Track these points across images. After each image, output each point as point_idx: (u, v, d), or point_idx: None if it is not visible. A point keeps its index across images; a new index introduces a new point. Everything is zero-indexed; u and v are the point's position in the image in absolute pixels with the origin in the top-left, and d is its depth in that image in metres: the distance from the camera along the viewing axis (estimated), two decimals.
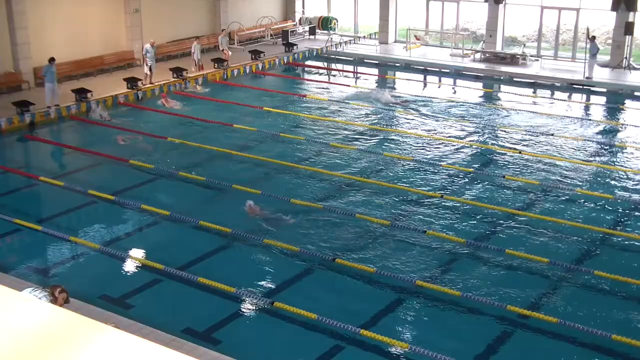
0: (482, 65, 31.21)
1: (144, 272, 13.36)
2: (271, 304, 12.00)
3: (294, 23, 38.17)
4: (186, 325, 11.39)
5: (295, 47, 33.64)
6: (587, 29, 29.29)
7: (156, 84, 26.33)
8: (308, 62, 32.87)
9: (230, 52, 30.80)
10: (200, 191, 17.45)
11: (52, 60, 22.96)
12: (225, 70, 29.08)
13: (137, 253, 14.18)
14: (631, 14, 29.19)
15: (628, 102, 26.41)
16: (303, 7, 39.10)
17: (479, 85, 29.45)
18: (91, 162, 19.39)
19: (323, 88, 28.23)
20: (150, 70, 26.14)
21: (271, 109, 24.25)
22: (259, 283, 13.01)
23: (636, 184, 17.81)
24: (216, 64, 29.14)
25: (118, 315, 11.06)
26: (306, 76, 30.92)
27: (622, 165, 19.34)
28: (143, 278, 13.14)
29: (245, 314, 11.98)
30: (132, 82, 25.64)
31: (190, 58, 29.06)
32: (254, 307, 12.10)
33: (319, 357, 10.69)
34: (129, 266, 13.62)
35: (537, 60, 31.63)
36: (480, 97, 28.17)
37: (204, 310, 12.04)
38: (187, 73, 27.56)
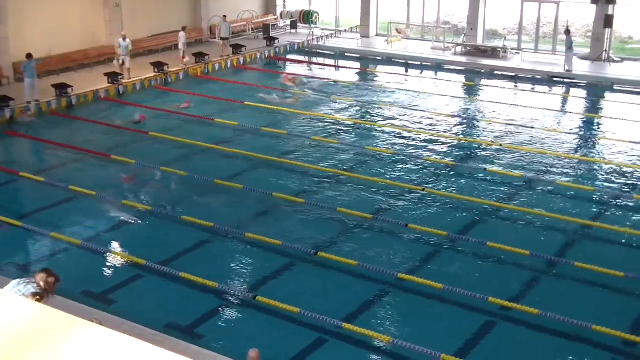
0: (463, 59, 31.33)
1: (126, 267, 13.31)
2: (254, 298, 12.01)
3: (275, 17, 38.09)
4: (169, 321, 11.37)
5: (276, 41, 33.57)
6: (567, 22, 29.47)
7: (135, 78, 26.19)
8: (289, 56, 32.82)
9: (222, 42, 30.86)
10: (182, 186, 17.39)
11: (29, 56, 22.77)
12: (206, 64, 28.97)
13: (119, 248, 14.12)
14: (610, 6, 29.36)
15: (608, 95, 26.59)
16: (284, 1, 39.02)
17: (461, 78, 29.53)
18: (72, 157, 19.26)
19: (304, 82, 28.17)
20: (123, 64, 25.93)
21: (252, 103, 24.19)
22: (242, 277, 13.02)
23: (616, 176, 17.94)
24: (197, 58, 29.04)
25: (100, 311, 11.00)
26: (287, 70, 30.86)
27: (602, 157, 19.49)
28: (125, 273, 13.09)
29: (228, 308, 11.97)
30: (113, 77, 25.49)
31: (174, 51, 28.92)
32: (237, 302, 12.10)
33: (302, 350, 10.72)
34: (111, 262, 13.55)
35: (518, 53, 31.77)
36: (462, 90, 28.26)
37: (187, 305, 12.02)
38: (168, 68, 27.40)
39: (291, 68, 31.15)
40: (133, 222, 15.40)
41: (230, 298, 12.20)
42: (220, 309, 11.91)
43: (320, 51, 33.86)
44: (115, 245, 14.23)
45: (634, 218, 15.45)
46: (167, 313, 11.67)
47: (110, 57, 28.23)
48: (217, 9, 33.59)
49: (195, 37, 33.29)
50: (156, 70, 27.16)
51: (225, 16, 31.24)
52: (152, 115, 22.85)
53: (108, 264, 13.48)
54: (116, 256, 13.72)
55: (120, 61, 26.07)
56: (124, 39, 26.00)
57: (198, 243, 14.35)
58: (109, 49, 28.73)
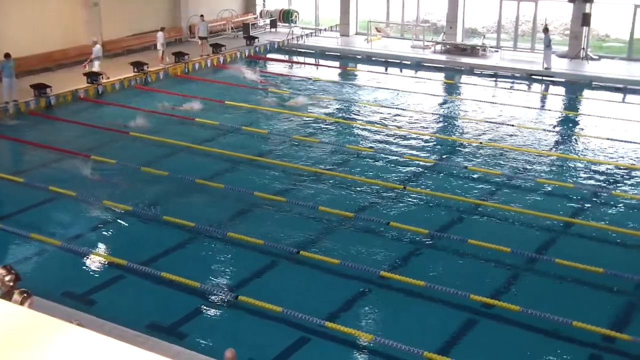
0: (442, 57, 31.47)
1: (107, 268, 13.23)
2: (236, 298, 11.99)
3: (255, 16, 38.03)
4: (150, 321, 11.33)
5: (256, 40, 33.51)
6: (545, 21, 29.68)
7: (115, 78, 26.05)
8: (269, 55, 32.78)
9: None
10: (163, 186, 17.31)
11: (7, 55, 22.58)
12: (186, 63, 28.87)
13: (100, 249, 14.04)
14: (587, 5, 29.63)
15: (586, 92, 26.81)
16: (264, 0, 38.97)
17: (440, 76, 29.63)
18: (52, 158, 19.11)
19: (285, 81, 28.17)
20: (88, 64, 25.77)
21: (233, 103, 24.13)
22: (223, 277, 13.00)
23: (595, 173, 18.09)
24: (177, 58, 28.92)
25: (81, 312, 10.95)
26: (268, 69, 30.81)
27: (581, 155, 19.64)
28: (106, 274, 13.02)
29: (210, 308, 11.94)
30: (92, 77, 25.32)
31: (154, 51, 28.76)
32: (219, 301, 12.07)
33: (285, 349, 10.71)
34: (92, 262, 13.47)
35: (497, 51, 31.95)
36: (441, 88, 28.37)
37: (169, 306, 11.98)
38: (148, 67, 27.27)
39: (270, 68, 31.10)
40: (114, 222, 15.31)
41: (212, 298, 12.16)
42: (202, 309, 11.88)
43: (300, 50, 33.85)
44: (96, 246, 14.14)
45: (613, 214, 15.58)
46: (148, 313, 11.63)
47: (89, 56, 28.00)
48: (197, 8, 33.47)
49: (175, 37, 33.17)
50: (136, 70, 27.01)
51: (202, 16, 31.11)
52: (132, 116, 22.72)
53: (89, 265, 13.39)
54: (97, 257, 13.63)
55: (94, 66, 25.77)
56: (95, 44, 25.78)
57: (179, 243, 14.30)
58: (88, 49, 28.48)
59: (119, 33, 30.28)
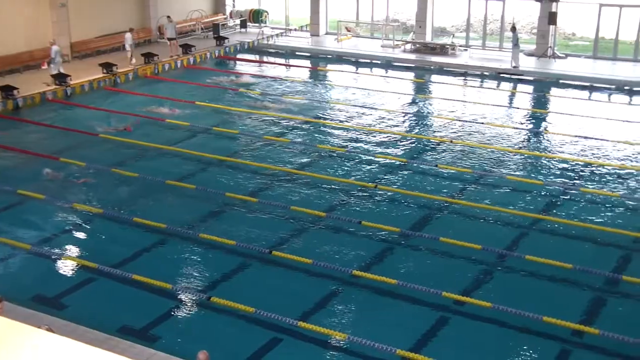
0: (412, 56, 31.63)
1: (77, 271, 13.12)
2: (208, 299, 11.96)
3: (225, 16, 37.91)
4: (122, 324, 11.26)
5: (226, 40, 33.40)
6: (513, 20, 29.97)
7: (83, 80, 25.81)
8: (240, 56, 32.70)
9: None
10: (133, 187, 17.19)
11: None
12: (156, 64, 28.69)
13: (70, 252, 13.90)
14: (554, 4, 29.97)
15: (554, 90, 27.10)
16: (233, 0, 38.85)
17: (410, 75, 29.77)
18: (20, 160, 18.89)
19: (255, 81, 28.11)
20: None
21: (203, 103, 24.04)
22: (196, 278, 12.94)
23: (563, 170, 18.30)
24: (146, 59, 28.74)
25: (51, 317, 10.86)
26: (238, 69, 30.73)
27: (550, 152, 19.85)
28: (77, 277, 12.91)
29: (183, 309, 11.89)
30: (60, 78, 25.07)
31: (123, 52, 28.54)
32: (191, 303, 12.03)
33: (258, 350, 10.71)
34: (62, 266, 13.34)
35: (466, 50, 32.20)
36: (411, 87, 28.50)
37: (141, 308, 11.91)
38: (117, 68, 27.06)
39: (240, 68, 31.03)
40: (84, 225, 15.18)
41: (184, 299, 12.12)
42: (174, 310, 11.83)
43: (271, 50, 33.81)
44: (66, 249, 14.00)
45: (581, 210, 15.78)
46: (120, 316, 11.55)
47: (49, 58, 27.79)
48: (166, 8, 33.27)
49: (144, 38, 32.95)
50: (105, 71, 26.78)
51: (169, 17, 30.90)
52: (101, 117, 22.57)
53: (59, 268, 13.27)
54: (67, 260, 13.50)
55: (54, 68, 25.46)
56: (52, 44, 25.49)
57: (151, 245, 14.23)
58: None
59: (87, 34, 30.02)
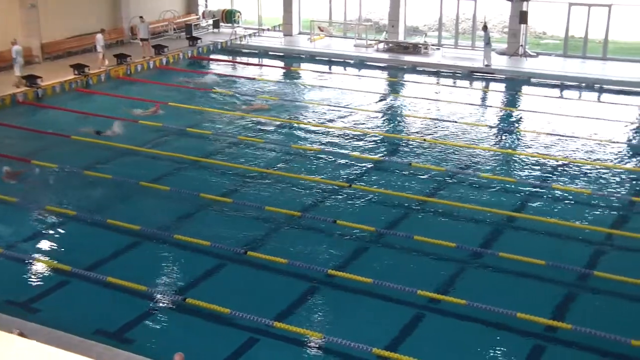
0: (385, 55, 31.76)
1: (51, 274, 13.01)
2: (184, 300, 11.92)
3: (198, 17, 37.77)
4: (97, 327, 11.18)
5: (199, 41, 33.28)
6: (484, 19, 30.22)
7: (55, 81, 25.58)
8: (213, 56, 32.60)
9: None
10: (107, 189, 17.07)
11: None
12: (128, 65, 28.51)
13: (43, 255, 13.77)
14: (525, 3, 30.28)
15: (525, 88, 27.35)
16: (206, 1, 38.73)
17: (384, 74, 29.88)
18: None
19: (229, 81, 28.05)
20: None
21: (177, 104, 23.93)
22: (171, 280, 12.90)
23: (535, 167, 18.47)
24: (119, 60, 28.54)
25: (23, 320, 10.75)
26: (211, 70, 30.63)
27: (522, 149, 20.03)
28: (50, 281, 12.80)
29: (158, 311, 11.84)
30: (30, 80, 24.82)
31: (95, 53, 28.33)
32: (167, 305, 11.98)
33: (234, 351, 10.69)
34: (35, 269, 13.22)
35: (439, 49, 32.39)
36: (385, 86, 28.60)
37: (115, 310, 11.83)
38: (89, 69, 26.85)
39: (214, 68, 30.94)
40: (57, 227, 15.06)
41: (159, 301, 12.07)
42: (149, 312, 11.77)
43: (244, 50, 33.76)
44: (39, 252, 13.87)
45: (553, 207, 15.94)
46: (95, 319, 11.47)
47: (28, 59, 27.50)
48: (138, 9, 33.04)
49: (116, 38, 32.71)
50: (76, 72, 26.55)
51: (142, 17, 30.71)
52: (74, 118, 22.39)
53: (32, 272, 13.14)
54: (40, 263, 13.38)
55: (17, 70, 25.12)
56: (14, 44, 25.18)
57: (125, 247, 14.15)
58: (26, 51, 27.95)
59: (58, 35, 29.73)
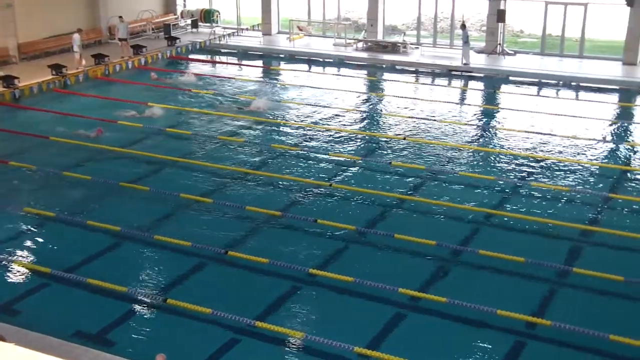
0: (364, 54, 31.82)
1: (30, 276, 12.90)
2: (164, 301, 11.88)
3: (176, 16, 37.64)
4: (77, 329, 11.11)
5: (177, 40, 33.17)
6: (463, 17, 30.38)
7: (32, 82, 25.39)
8: (191, 56, 32.50)
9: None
10: (86, 190, 16.98)
11: None
12: (106, 65, 28.35)
13: (22, 257, 13.65)
14: (502, 2, 30.47)
15: (503, 87, 27.55)
16: (184, 0, 38.60)
17: (363, 74, 29.95)
18: None
19: (208, 81, 27.99)
20: None
21: (156, 104, 23.83)
22: (152, 280, 12.84)
23: (514, 165, 18.61)
24: (97, 60, 28.37)
25: (3, 323, 10.66)
26: (190, 70, 30.54)
27: (501, 147, 20.15)
28: (30, 283, 12.70)
29: (139, 312, 11.80)
30: (8, 80, 24.61)
31: (73, 53, 28.16)
32: (147, 306, 11.94)
33: (216, 351, 10.68)
34: (14, 272, 13.10)
35: (417, 48, 32.50)
36: (364, 85, 28.68)
37: (96, 312, 11.76)
38: (67, 70, 26.67)
39: (193, 68, 30.84)
40: (36, 229, 14.94)
41: (140, 302, 12.02)
42: (130, 314, 11.72)
43: (223, 50, 33.69)
44: (17, 254, 13.74)
45: (531, 205, 16.06)
46: (75, 321, 11.40)
47: (5, 59, 27.27)
48: (116, 8, 32.88)
49: (94, 38, 32.53)
50: (54, 72, 26.37)
51: (121, 17, 30.55)
52: (51, 119, 22.24)
53: (11, 274, 13.02)
54: (19, 266, 13.27)
55: None
56: None
57: (105, 248, 14.07)
58: (2, 52, 27.78)
59: (35, 35, 29.51)
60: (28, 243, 14.39)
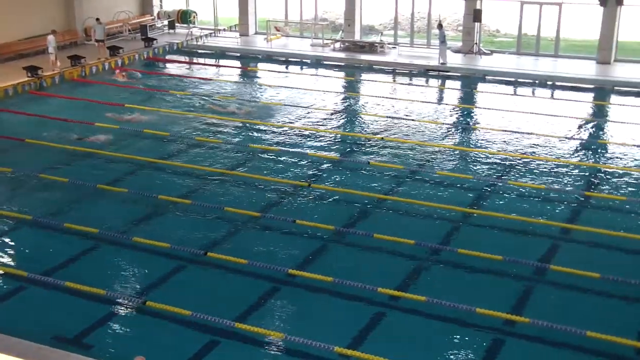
0: (342, 54, 31.87)
1: (6, 280, 12.78)
2: (143, 303, 11.83)
3: (153, 17, 37.46)
4: (55, 333, 11.03)
5: (154, 41, 33.01)
6: (439, 17, 30.52)
7: (7, 84, 25.17)
8: (169, 57, 32.37)
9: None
10: (63, 193, 16.86)
11: None
12: (83, 67, 28.15)
13: None
14: (478, 1, 30.65)
15: (480, 86, 27.72)
16: (161, 1, 38.43)
17: (340, 74, 29.99)
18: None
19: (185, 82, 27.90)
20: None
21: (133, 106, 23.72)
22: (130, 283, 12.79)
23: (491, 163, 18.72)
24: (73, 61, 28.17)
25: None
26: (168, 71, 30.43)
27: (478, 146, 20.27)
28: (5, 287, 12.58)
29: (117, 315, 11.73)
30: None
31: (46, 55, 27.94)
32: (126, 308, 11.87)
33: (196, 353, 10.64)
34: None
35: (395, 47, 32.61)
36: (342, 85, 28.72)
37: (74, 316, 11.68)
38: (42, 72, 26.45)
39: (170, 69, 30.72)
40: (12, 232, 14.81)
41: (119, 305, 11.95)
42: (109, 317, 11.64)
43: (200, 51, 33.61)
44: None
45: (509, 203, 16.17)
46: (53, 325, 11.32)
47: None
48: (92, 10, 32.67)
49: (70, 40, 32.29)
50: (29, 74, 26.15)
51: (98, 19, 30.37)
52: (28, 121, 22.05)
53: None
54: None
55: None
56: None
57: (83, 250, 13.97)
58: None
59: (10, 36, 29.25)
60: (4, 247, 14.24)
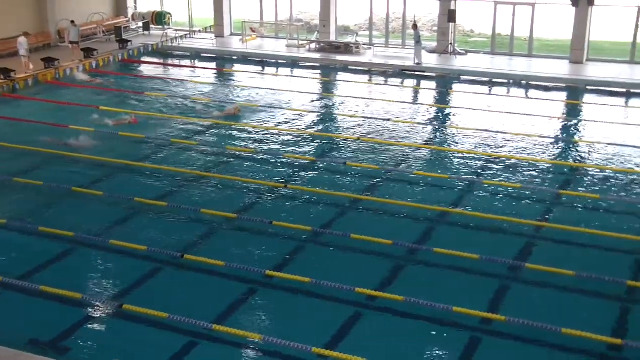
0: (317, 55, 31.95)
1: None
2: (120, 307, 11.76)
3: (127, 19, 37.26)
4: (31, 337, 10.93)
5: (129, 43, 32.85)
6: (414, 18, 30.68)
7: None
8: (143, 59, 32.22)
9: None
10: (38, 196, 16.71)
11: None
12: (57, 69, 27.94)
13: None
14: (453, 2, 30.85)
15: (455, 86, 27.90)
16: (135, 3, 38.25)
17: (316, 74, 30.03)
18: None
19: (160, 84, 27.78)
20: None
21: (108, 108, 23.57)
22: (107, 286, 12.70)
23: (467, 163, 18.84)
24: (46, 63, 27.94)
25: None
26: (143, 73, 30.28)
27: (454, 146, 20.40)
28: None
29: (94, 319, 11.64)
30: None
31: (19, 57, 27.67)
32: (103, 312, 11.79)
33: (173, 356, 10.59)
34: None
35: (370, 48, 32.72)
36: (318, 86, 28.75)
37: (50, 320, 11.58)
38: (15, 74, 26.21)
39: (145, 70, 30.57)
40: None
41: (95, 308, 11.87)
42: (85, 320, 11.55)
43: (175, 52, 33.49)
44: None
45: (484, 202, 16.29)
46: (29, 329, 11.21)
47: None
48: (65, 11, 32.44)
49: (43, 42, 32.02)
50: (2, 77, 25.89)
51: (73, 21, 30.16)
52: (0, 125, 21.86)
53: None
54: None
55: None
56: None
57: (59, 254, 13.85)
58: None
59: None
60: None
